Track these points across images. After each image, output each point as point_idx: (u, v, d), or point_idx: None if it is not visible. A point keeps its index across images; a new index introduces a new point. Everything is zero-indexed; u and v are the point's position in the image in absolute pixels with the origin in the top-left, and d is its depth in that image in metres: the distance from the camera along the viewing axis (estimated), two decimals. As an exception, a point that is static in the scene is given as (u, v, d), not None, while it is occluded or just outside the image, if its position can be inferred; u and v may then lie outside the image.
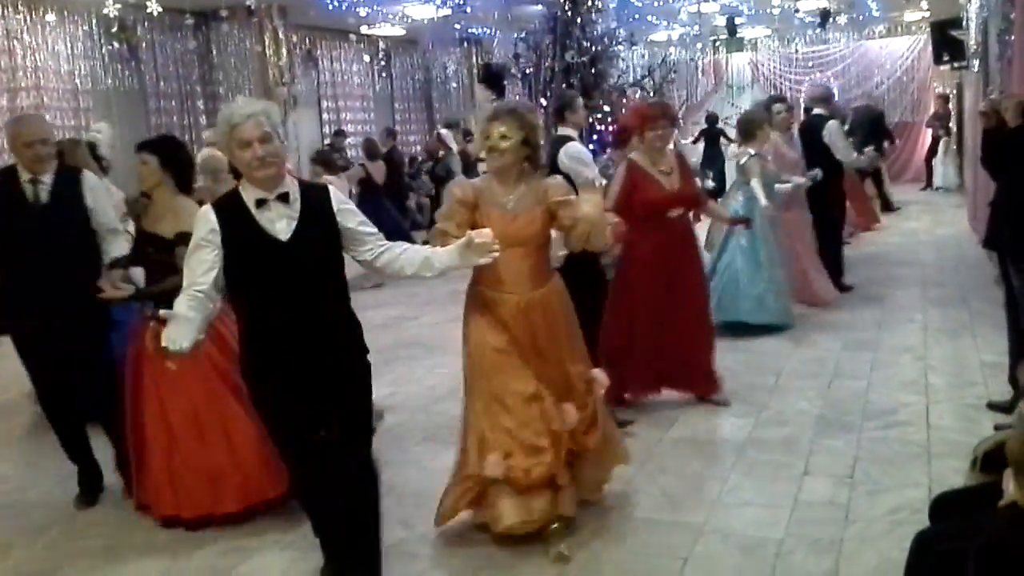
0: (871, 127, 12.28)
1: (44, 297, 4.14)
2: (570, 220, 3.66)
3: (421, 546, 3.81)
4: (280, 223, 2.96)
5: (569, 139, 5.42)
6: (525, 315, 3.64)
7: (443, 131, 12.98)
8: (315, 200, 3.04)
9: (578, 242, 3.74)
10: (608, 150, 7.31)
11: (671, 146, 5.43)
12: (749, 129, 7.02)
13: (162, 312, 3.03)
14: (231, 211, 2.96)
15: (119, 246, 4.35)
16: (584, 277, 5.39)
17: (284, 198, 2.97)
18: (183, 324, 2.94)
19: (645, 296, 5.23)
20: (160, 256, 4.01)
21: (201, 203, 3.66)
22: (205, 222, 2.95)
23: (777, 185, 7.06)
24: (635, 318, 5.26)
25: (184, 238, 3.26)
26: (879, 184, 13.33)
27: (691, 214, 5.58)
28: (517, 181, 3.66)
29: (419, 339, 7.61)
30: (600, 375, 3.89)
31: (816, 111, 8.22)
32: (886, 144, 13.03)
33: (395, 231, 10.94)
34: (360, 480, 3.22)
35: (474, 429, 3.67)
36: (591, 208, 3.68)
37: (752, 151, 6.88)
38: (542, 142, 3.79)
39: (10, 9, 9.55)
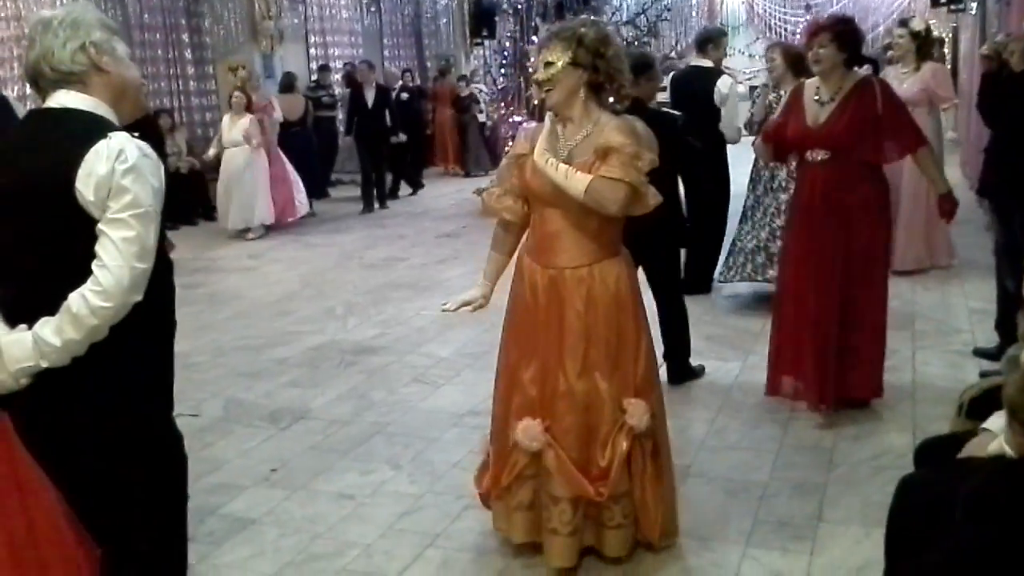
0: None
1: None
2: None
3: (408, 486, 3.83)
4: None
5: (720, 72, 5.36)
6: (553, 293, 2.92)
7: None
8: None
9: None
10: None
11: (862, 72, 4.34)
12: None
13: None
14: None
15: None
16: None
17: None
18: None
19: (793, 251, 4.35)
20: None
21: None
22: None
23: None
24: (782, 277, 4.48)
25: None
26: None
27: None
28: (585, 119, 2.89)
29: (408, 280, 7.58)
30: (637, 406, 2.94)
31: None
32: None
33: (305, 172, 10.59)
34: None
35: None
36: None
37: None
38: (612, 58, 2.87)
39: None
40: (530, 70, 3.19)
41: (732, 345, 5.41)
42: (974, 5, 10.88)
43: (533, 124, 3.26)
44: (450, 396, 4.87)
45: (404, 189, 12.48)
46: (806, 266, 4.22)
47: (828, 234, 4.13)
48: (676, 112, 5.27)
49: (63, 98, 2.12)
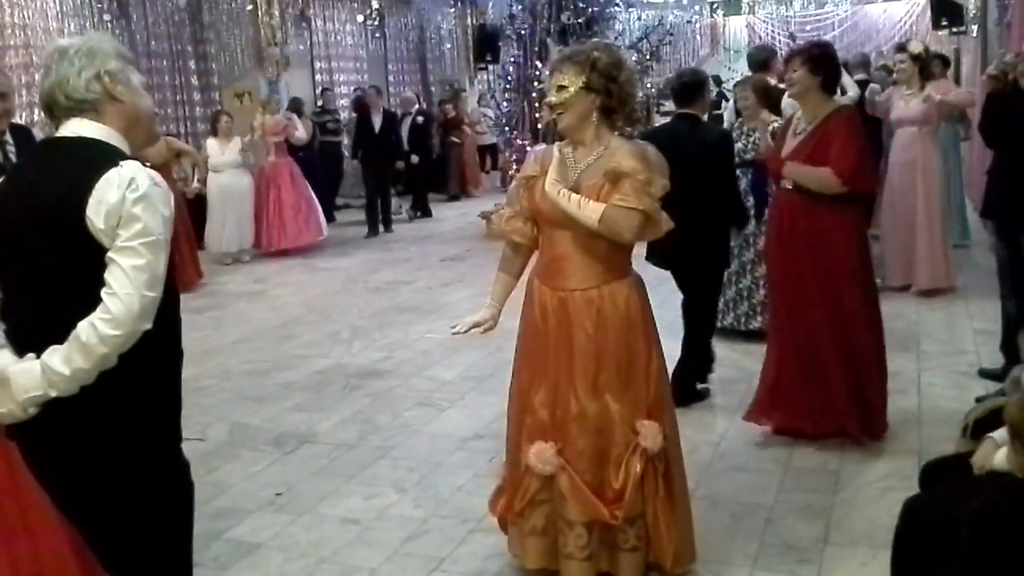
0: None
1: None
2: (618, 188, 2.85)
3: (413, 510, 3.83)
4: None
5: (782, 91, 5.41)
6: (562, 315, 2.92)
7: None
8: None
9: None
10: None
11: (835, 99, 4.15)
12: None
13: None
14: None
15: None
16: None
17: None
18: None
19: (772, 286, 4.39)
20: None
21: None
22: None
23: None
24: (771, 309, 4.40)
25: None
26: None
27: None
28: (596, 142, 2.92)
29: (412, 304, 7.60)
30: (650, 428, 2.93)
31: (857, 77, 7.66)
32: None
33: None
34: None
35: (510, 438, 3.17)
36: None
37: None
38: (624, 83, 2.89)
39: (-3, -35, 9.40)
40: (542, 91, 3.24)
41: (737, 367, 5.40)
42: (975, 27, 10.94)
43: (541, 146, 3.23)
44: (455, 419, 4.86)
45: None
46: (788, 297, 4.17)
47: (803, 263, 4.06)
48: (725, 128, 5.33)
49: (75, 126, 2.13)
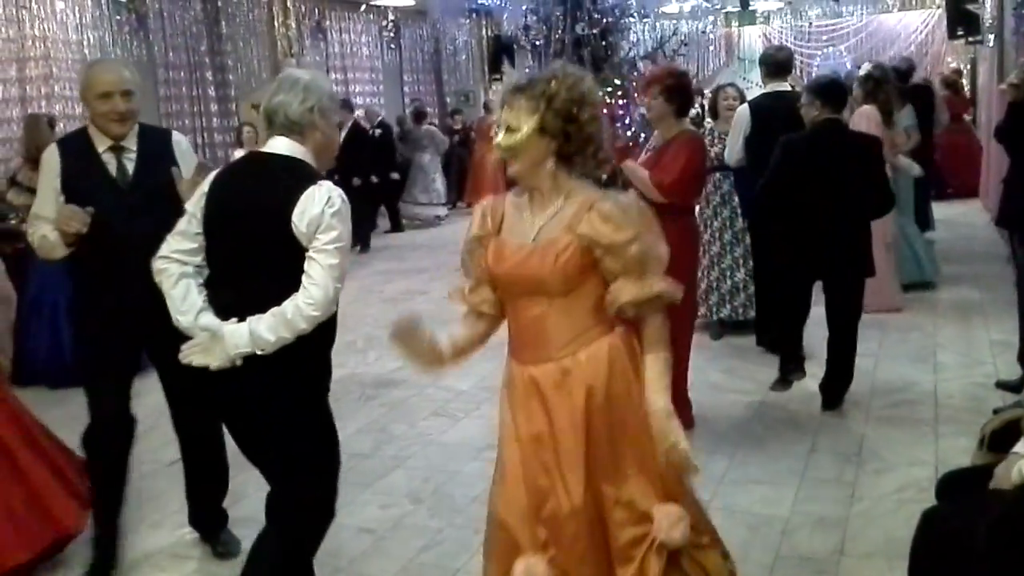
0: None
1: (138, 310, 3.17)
2: (612, 274, 2.34)
3: (428, 520, 3.84)
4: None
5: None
6: (535, 392, 2.41)
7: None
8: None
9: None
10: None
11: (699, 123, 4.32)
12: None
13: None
14: None
15: None
16: None
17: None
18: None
19: None
20: None
21: None
22: None
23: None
24: None
25: None
26: None
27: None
28: (554, 192, 2.39)
29: (427, 313, 7.53)
30: (667, 513, 2.31)
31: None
32: None
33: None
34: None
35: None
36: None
37: None
38: (586, 123, 2.34)
39: (18, -22, 9.50)
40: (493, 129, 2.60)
41: (751, 378, 5.38)
42: (991, 37, 10.90)
43: (489, 199, 2.60)
44: (470, 429, 4.87)
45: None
46: None
47: None
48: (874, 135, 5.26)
49: (281, 144, 2.64)
